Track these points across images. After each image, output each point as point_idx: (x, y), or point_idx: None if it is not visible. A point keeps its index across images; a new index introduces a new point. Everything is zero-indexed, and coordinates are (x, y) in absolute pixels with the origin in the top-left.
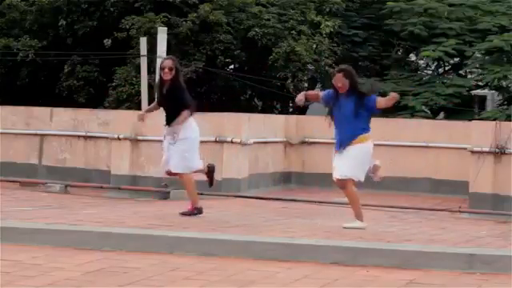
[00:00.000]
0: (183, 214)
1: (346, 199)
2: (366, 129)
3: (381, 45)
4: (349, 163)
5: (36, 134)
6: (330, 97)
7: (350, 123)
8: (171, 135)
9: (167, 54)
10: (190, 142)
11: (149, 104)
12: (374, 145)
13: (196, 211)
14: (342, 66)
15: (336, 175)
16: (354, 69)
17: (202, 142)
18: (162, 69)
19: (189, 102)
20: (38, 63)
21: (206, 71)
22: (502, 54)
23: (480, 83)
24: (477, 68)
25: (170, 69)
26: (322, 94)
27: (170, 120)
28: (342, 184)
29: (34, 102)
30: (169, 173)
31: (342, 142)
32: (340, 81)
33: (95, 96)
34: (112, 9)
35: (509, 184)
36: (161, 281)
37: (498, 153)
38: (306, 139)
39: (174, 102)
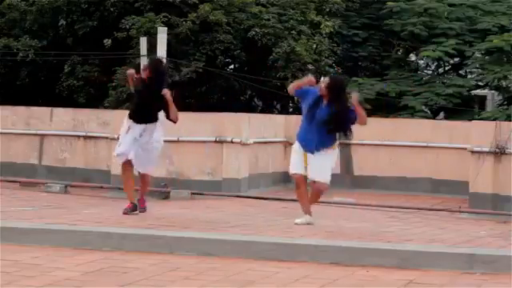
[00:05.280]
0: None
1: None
2: (335, 139)
3: (381, 45)
4: (328, 168)
5: (36, 134)
6: (312, 94)
7: (325, 130)
8: (147, 133)
9: (167, 54)
10: (159, 146)
11: None
12: (375, 145)
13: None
14: (334, 77)
15: (319, 178)
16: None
17: (201, 142)
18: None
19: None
20: (38, 63)
21: (206, 71)
22: (502, 54)
23: (480, 83)
24: (477, 68)
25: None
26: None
27: (147, 118)
28: (321, 189)
29: (34, 102)
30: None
31: (316, 147)
32: (324, 91)
33: (95, 96)
34: (112, 9)
35: (509, 184)
36: (161, 281)
37: (498, 153)
38: None
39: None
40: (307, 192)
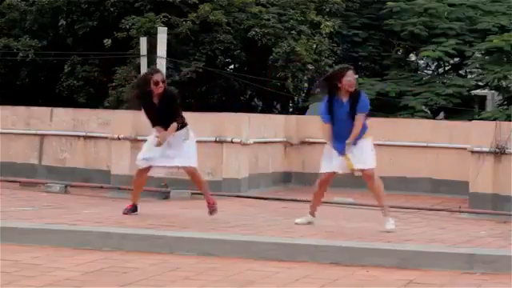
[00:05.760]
0: (212, 212)
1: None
2: (366, 127)
3: (381, 45)
4: (367, 154)
5: (36, 134)
6: (326, 107)
7: (350, 125)
8: (179, 136)
9: (167, 54)
10: (194, 141)
11: None
12: (375, 145)
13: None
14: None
15: (361, 166)
16: (354, 68)
17: (201, 142)
18: (155, 83)
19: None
20: (38, 63)
21: (206, 71)
22: (502, 54)
23: (480, 83)
24: (477, 68)
25: (163, 81)
26: (324, 119)
27: (167, 124)
28: (370, 175)
29: (34, 102)
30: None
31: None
32: (354, 80)
33: (95, 96)
34: (112, 9)
35: (509, 184)
36: (161, 281)
37: (498, 153)
38: (306, 139)
39: (170, 112)
40: (323, 194)
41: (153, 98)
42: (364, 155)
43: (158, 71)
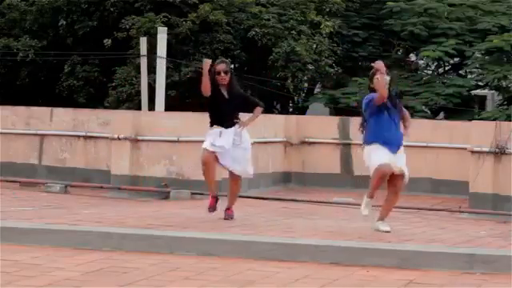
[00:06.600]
0: (226, 218)
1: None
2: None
3: (381, 45)
4: (404, 163)
5: (36, 134)
6: (374, 109)
7: (397, 127)
8: (238, 135)
9: (167, 54)
10: (250, 146)
11: (149, 104)
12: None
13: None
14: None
15: (405, 173)
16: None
17: (201, 141)
18: (217, 73)
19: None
20: (38, 63)
21: None
22: (502, 54)
23: (480, 83)
24: (477, 68)
25: (226, 72)
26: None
27: (227, 122)
28: (404, 184)
29: (34, 102)
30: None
31: (398, 145)
32: (382, 80)
33: (95, 96)
34: (112, 9)
35: (509, 184)
36: (161, 281)
37: (498, 153)
38: (306, 139)
39: (237, 106)
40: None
41: (220, 89)
42: (404, 162)
43: (222, 61)
